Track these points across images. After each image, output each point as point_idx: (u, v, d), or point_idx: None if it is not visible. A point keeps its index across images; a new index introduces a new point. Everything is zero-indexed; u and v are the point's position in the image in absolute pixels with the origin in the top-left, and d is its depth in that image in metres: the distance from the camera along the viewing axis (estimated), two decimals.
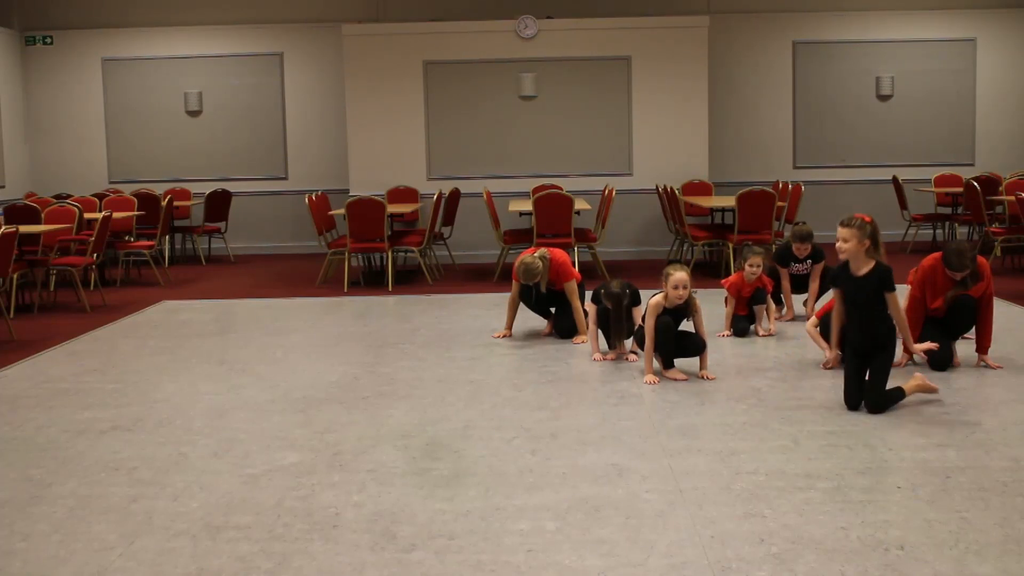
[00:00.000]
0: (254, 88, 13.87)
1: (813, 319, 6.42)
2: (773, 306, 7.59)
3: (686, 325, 6.19)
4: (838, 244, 5.17)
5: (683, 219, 10.82)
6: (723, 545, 3.58)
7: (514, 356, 6.85)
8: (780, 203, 10.93)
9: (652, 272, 11.00)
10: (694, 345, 6.11)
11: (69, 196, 12.03)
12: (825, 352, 6.25)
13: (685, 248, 11.69)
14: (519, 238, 10.68)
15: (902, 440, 4.75)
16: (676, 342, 6.12)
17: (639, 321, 6.62)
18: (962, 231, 12.66)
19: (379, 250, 10.51)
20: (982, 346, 6.16)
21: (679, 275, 5.98)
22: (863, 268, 5.22)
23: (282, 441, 4.95)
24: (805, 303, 7.88)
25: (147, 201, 11.74)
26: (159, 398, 5.86)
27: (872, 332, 5.23)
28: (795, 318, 7.81)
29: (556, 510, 3.95)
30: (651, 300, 6.07)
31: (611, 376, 6.20)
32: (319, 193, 11.26)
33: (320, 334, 7.82)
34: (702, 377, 6.02)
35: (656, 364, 6.11)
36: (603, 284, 6.64)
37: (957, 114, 13.64)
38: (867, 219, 5.17)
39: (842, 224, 5.18)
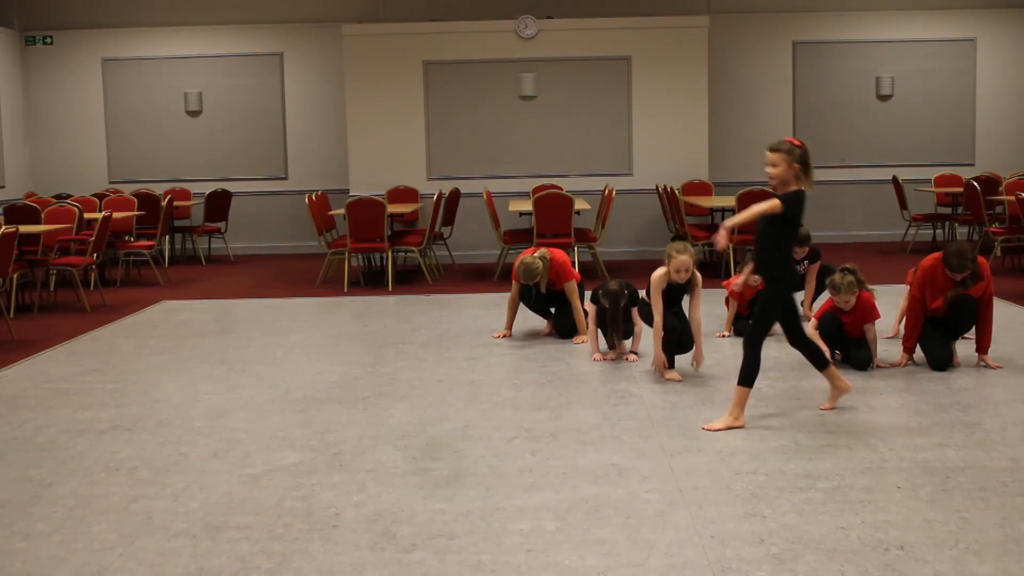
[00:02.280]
0: (254, 88, 13.87)
1: (813, 321, 6.43)
2: None
3: (682, 317, 6.20)
4: (767, 169, 4.84)
5: (683, 219, 10.81)
6: (723, 545, 3.58)
7: (514, 356, 6.85)
8: None
9: (652, 272, 11.00)
10: (688, 340, 6.12)
11: (69, 196, 12.03)
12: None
13: None
14: (519, 238, 10.68)
15: (902, 440, 4.75)
16: (676, 344, 6.13)
17: (640, 322, 6.62)
18: (962, 231, 12.66)
19: (379, 250, 10.51)
20: (982, 346, 6.16)
21: (682, 259, 5.90)
22: (788, 190, 4.86)
23: (282, 441, 4.95)
24: (802, 303, 7.88)
25: (147, 201, 11.74)
26: (159, 398, 5.86)
27: (757, 251, 5.04)
28: None
29: (556, 510, 3.95)
30: (655, 274, 6.03)
31: (611, 376, 6.20)
32: (319, 193, 11.26)
33: (320, 334, 7.82)
34: (694, 366, 6.05)
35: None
36: (602, 284, 6.64)
37: (957, 114, 13.64)
38: (796, 143, 4.85)
39: (770, 148, 4.84)
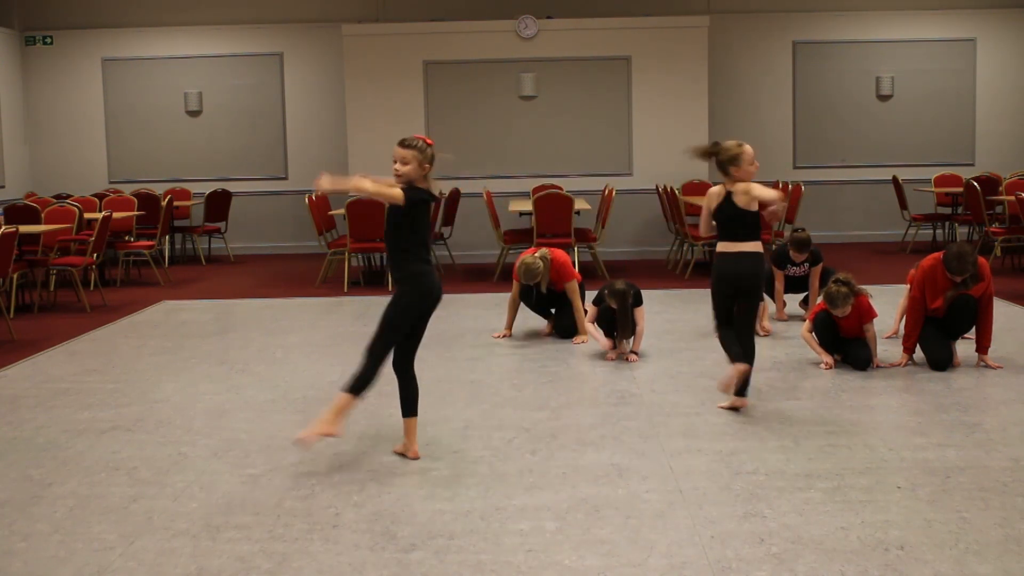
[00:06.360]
0: (254, 88, 13.86)
1: (807, 323, 6.43)
2: (772, 305, 7.59)
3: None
4: (396, 166, 4.65)
5: (683, 219, 10.81)
6: (723, 545, 3.58)
7: (514, 356, 6.85)
8: None
9: (652, 272, 11.01)
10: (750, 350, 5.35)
11: (69, 196, 12.02)
12: (821, 357, 6.26)
13: (685, 248, 11.68)
14: (519, 238, 10.68)
15: (902, 440, 4.75)
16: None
17: (641, 322, 6.61)
18: (962, 231, 12.66)
19: (379, 250, 10.51)
20: (982, 346, 6.16)
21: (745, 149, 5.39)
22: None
23: (282, 441, 4.95)
24: (803, 303, 7.88)
25: (147, 201, 11.74)
26: (159, 398, 5.86)
27: (392, 263, 4.84)
28: (788, 318, 7.81)
29: (556, 510, 3.95)
30: (711, 189, 5.58)
31: (611, 376, 6.20)
32: (319, 193, 11.24)
33: (320, 334, 7.82)
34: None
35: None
36: (607, 284, 6.63)
37: (957, 114, 13.63)
38: (429, 141, 4.68)
39: (402, 144, 4.62)
